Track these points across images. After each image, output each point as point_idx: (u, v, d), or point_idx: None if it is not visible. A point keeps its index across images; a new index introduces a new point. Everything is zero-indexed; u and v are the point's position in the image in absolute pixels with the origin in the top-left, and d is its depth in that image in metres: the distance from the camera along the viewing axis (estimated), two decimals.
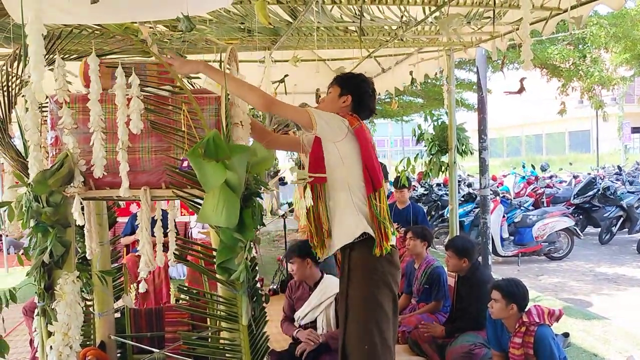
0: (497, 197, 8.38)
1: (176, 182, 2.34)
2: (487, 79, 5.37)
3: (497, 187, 10.39)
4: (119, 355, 3.23)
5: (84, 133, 2.25)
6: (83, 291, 3.04)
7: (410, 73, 5.21)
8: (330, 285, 4.06)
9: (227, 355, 2.38)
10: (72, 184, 2.15)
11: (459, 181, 11.16)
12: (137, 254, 3.94)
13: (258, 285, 2.47)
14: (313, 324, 4.09)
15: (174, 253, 2.40)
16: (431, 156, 5.39)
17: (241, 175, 2.17)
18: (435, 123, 5.39)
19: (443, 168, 5.32)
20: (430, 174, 5.58)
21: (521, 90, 3.87)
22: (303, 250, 4.11)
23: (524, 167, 13.35)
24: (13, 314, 5.52)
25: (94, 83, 2.12)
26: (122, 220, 6.42)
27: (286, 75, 4.31)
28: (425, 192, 10.87)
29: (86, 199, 2.31)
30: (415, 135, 5.60)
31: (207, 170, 2.05)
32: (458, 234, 5.50)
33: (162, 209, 3.09)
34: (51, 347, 2.11)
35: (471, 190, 9.80)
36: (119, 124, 2.18)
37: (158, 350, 3.02)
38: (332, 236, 2.67)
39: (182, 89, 2.37)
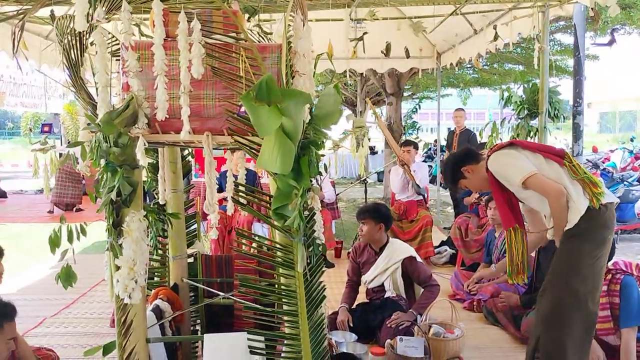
0: (597, 170, 7.82)
1: (238, 130, 2.38)
2: (585, 38, 4.95)
3: (603, 162, 9.67)
4: (191, 297, 3.40)
5: (151, 79, 2.34)
6: (159, 235, 3.21)
7: (494, 27, 4.88)
8: (396, 250, 4.00)
9: (283, 300, 2.43)
10: (136, 125, 2.24)
11: None
12: (220, 211, 4.03)
13: (316, 234, 2.48)
14: (380, 288, 4.07)
15: (232, 198, 2.45)
16: (519, 120, 5.08)
17: (297, 122, 2.15)
18: (526, 85, 5.05)
19: (532, 133, 5.00)
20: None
21: (612, 42, 3.55)
22: (379, 214, 4.05)
23: (632, 140, 12.31)
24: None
25: (158, 27, 2.18)
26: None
27: (365, 33, 4.23)
28: None
29: (152, 143, 2.41)
30: (503, 98, 5.29)
31: (261, 114, 2.05)
32: None
33: (247, 169, 3.17)
34: (117, 280, 2.24)
35: None
36: (182, 68, 2.23)
37: (225, 294, 3.14)
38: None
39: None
